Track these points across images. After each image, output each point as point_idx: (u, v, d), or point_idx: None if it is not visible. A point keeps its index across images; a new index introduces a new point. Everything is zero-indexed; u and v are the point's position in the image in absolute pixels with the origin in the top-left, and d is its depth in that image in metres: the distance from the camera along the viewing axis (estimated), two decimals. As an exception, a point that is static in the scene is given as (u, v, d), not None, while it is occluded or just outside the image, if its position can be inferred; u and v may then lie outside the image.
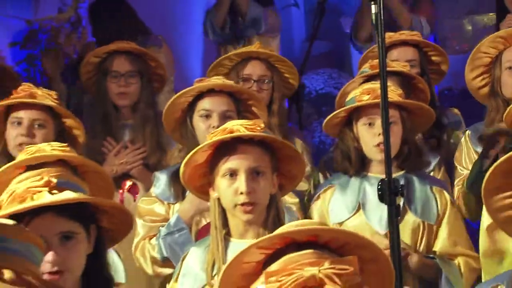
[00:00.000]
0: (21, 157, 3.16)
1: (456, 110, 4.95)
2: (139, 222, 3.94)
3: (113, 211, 2.65)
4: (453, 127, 4.74)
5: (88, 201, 2.58)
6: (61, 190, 2.53)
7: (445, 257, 3.79)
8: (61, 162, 3.14)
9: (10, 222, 1.92)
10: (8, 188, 2.59)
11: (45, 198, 2.48)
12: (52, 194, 2.51)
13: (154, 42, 5.85)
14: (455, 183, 4.28)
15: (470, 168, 4.14)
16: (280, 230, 2.05)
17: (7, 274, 1.76)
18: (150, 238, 3.90)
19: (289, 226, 2.13)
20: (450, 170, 4.42)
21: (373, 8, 3.14)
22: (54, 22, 6.45)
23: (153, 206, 3.99)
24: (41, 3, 6.54)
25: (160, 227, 3.87)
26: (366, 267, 2.06)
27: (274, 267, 1.90)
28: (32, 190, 2.50)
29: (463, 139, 4.35)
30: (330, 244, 2.02)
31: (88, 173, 3.24)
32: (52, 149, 3.16)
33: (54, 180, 2.54)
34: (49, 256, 2.47)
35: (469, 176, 4.02)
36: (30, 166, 3.05)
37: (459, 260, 3.80)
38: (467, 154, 4.29)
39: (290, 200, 3.87)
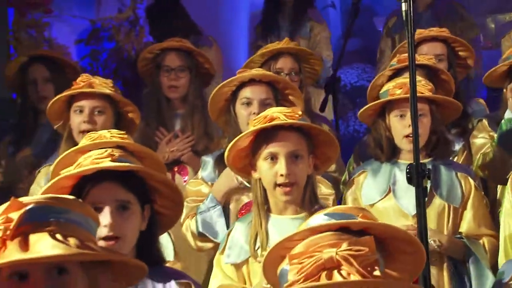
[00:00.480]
0: (83, 142, 3.16)
1: (481, 100, 4.89)
2: (184, 202, 3.94)
3: (165, 189, 2.64)
4: (477, 116, 4.63)
5: (144, 170, 2.59)
6: (121, 163, 2.55)
7: (471, 237, 3.75)
8: (119, 148, 3.15)
9: (72, 197, 1.93)
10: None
11: (107, 163, 2.51)
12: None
13: (205, 42, 5.85)
14: (474, 153, 4.22)
15: (487, 136, 4.12)
16: (336, 220, 2.03)
17: (72, 240, 1.78)
18: (193, 216, 3.89)
19: (344, 211, 2.12)
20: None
21: (403, 6, 3.08)
22: (114, 21, 6.51)
23: (200, 188, 3.98)
24: (103, 4, 6.58)
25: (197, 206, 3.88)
26: (404, 257, 2.05)
27: (297, 249, 1.87)
28: (96, 160, 2.52)
29: (479, 124, 4.32)
30: (378, 235, 1.99)
31: (143, 158, 3.24)
32: (112, 135, 3.14)
33: (116, 154, 2.56)
34: (107, 221, 2.49)
35: (499, 131, 4.01)
36: None
37: (484, 240, 3.76)
38: (484, 131, 4.27)
39: (326, 191, 3.81)
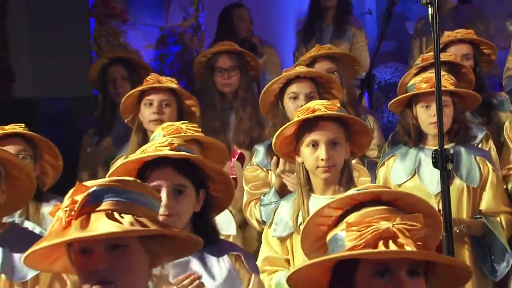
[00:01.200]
0: (160, 132, 3.18)
1: (503, 94, 4.76)
2: (245, 188, 3.96)
3: (218, 176, 2.62)
4: (499, 108, 4.55)
5: (197, 159, 2.57)
6: (179, 151, 2.53)
7: (488, 215, 3.69)
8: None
9: (131, 179, 1.94)
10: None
11: (166, 151, 2.50)
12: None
13: (267, 43, 5.84)
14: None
15: None
16: (373, 188, 1.99)
17: (127, 218, 1.80)
18: (256, 202, 3.90)
19: (380, 187, 2.08)
20: (496, 142, 4.24)
21: (430, 10, 3.03)
22: (180, 28, 6.53)
23: (257, 173, 3.98)
24: (170, 14, 6.59)
25: (262, 196, 3.85)
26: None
27: (353, 218, 1.82)
28: (158, 148, 2.51)
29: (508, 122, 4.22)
30: (406, 208, 1.94)
31: (211, 148, 3.28)
32: (187, 128, 3.19)
33: (176, 143, 2.54)
34: (163, 202, 2.47)
35: None
36: None
37: (501, 217, 3.69)
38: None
39: (363, 178, 3.72)
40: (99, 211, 1.81)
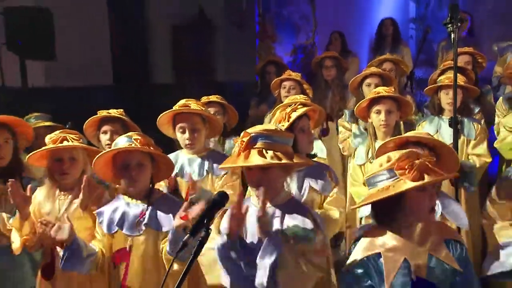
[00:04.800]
0: (287, 101, 3.04)
1: (488, 86, 4.31)
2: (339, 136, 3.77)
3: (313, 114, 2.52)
4: (486, 94, 4.11)
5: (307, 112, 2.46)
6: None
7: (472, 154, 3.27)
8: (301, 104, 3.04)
9: (275, 128, 1.85)
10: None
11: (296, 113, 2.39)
12: None
13: (354, 55, 5.57)
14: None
15: (501, 116, 3.59)
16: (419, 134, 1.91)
17: (270, 153, 1.74)
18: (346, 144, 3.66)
19: (423, 133, 2.00)
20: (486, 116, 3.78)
21: (452, 34, 2.67)
22: (304, 44, 6.38)
23: (344, 130, 3.72)
24: (299, 36, 6.48)
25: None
26: (447, 158, 1.88)
27: (400, 158, 1.62)
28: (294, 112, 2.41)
29: (498, 102, 3.78)
30: (427, 143, 1.85)
31: (315, 111, 3.08)
32: (301, 98, 3.04)
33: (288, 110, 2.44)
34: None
35: None
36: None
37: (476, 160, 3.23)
38: (500, 106, 3.71)
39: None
40: (255, 148, 1.76)
